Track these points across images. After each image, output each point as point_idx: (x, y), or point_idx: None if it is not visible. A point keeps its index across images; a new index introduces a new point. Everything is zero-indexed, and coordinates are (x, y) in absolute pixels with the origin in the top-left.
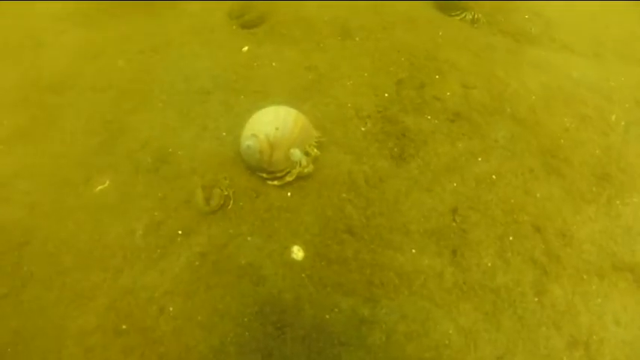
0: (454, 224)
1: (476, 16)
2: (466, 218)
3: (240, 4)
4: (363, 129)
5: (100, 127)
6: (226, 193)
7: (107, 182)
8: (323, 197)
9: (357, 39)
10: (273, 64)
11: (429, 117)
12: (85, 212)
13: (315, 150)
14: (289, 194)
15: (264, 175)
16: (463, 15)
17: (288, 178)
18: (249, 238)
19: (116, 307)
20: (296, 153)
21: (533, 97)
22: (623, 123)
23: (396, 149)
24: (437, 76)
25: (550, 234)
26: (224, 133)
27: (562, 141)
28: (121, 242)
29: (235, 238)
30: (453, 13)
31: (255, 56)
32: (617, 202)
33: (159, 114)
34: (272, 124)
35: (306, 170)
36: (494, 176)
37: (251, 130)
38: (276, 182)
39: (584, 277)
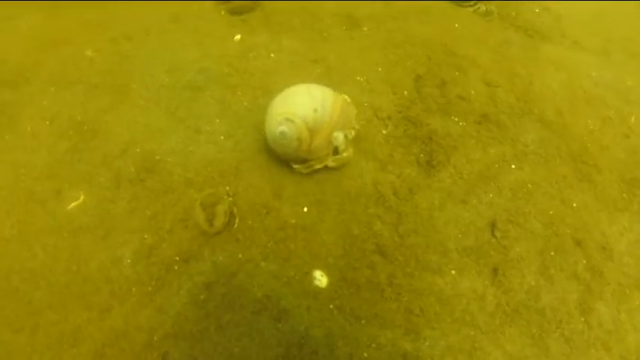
0: (494, 240)
1: (489, 8)
2: (506, 233)
3: None
4: (384, 132)
5: (68, 130)
6: (231, 209)
7: (82, 197)
8: (346, 212)
9: (366, 29)
10: (272, 55)
11: (456, 119)
12: (57, 236)
13: (353, 132)
14: (305, 209)
15: (297, 165)
16: (477, 7)
17: (331, 164)
18: (262, 264)
19: (106, 355)
20: (339, 137)
21: (558, 98)
22: None
23: (422, 155)
24: (457, 73)
25: (591, 247)
26: (222, 137)
27: (589, 145)
28: (105, 273)
29: (246, 264)
30: (465, 4)
31: (250, 46)
32: None
33: (140, 113)
34: (309, 105)
35: (345, 155)
36: (530, 185)
37: (283, 114)
38: (311, 169)
39: (627, 291)
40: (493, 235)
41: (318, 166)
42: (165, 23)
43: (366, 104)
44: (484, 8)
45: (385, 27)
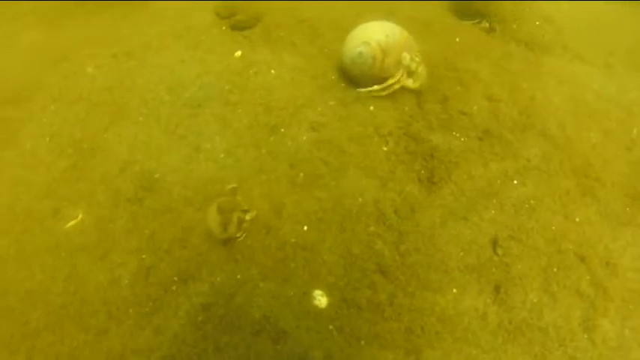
0: (496, 257)
1: (492, 24)
2: (508, 250)
3: (229, 3)
4: (385, 148)
5: (68, 147)
6: (248, 217)
7: (80, 216)
8: (346, 231)
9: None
10: (273, 71)
11: (457, 134)
12: (55, 255)
13: (418, 57)
14: (305, 228)
15: (369, 88)
16: (479, 23)
17: (396, 86)
18: (261, 284)
19: None
20: (407, 57)
21: (560, 112)
22: None
23: (424, 172)
24: (459, 88)
25: (594, 263)
26: (222, 155)
27: (592, 158)
28: (102, 294)
29: (244, 284)
30: (468, 20)
31: (251, 62)
32: None
33: (140, 130)
34: (381, 32)
35: (420, 71)
36: (532, 201)
37: (360, 39)
38: (383, 92)
39: (631, 307)
40: (495, 252)
41: (396, 86)
42: (166, 39)
43: (367, 120)
44: (487, 25)
45: None
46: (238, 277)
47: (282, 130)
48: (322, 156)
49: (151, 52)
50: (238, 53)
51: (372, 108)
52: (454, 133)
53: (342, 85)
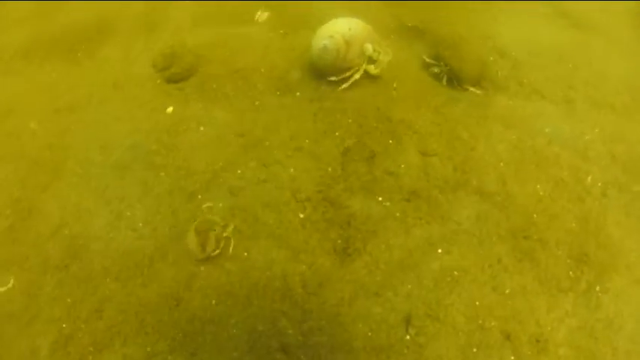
0: (408, 338)
1: (442, 72)
2: (422, 329)
3: (168, 53)
4: (301, 215)
5: (6, 208)
6: (225, 234)
7: (11, 282)
8: (253, 306)
9: (298, 94)
10: (201, 128)
11: (380, 198)
12: None
13: (382, 55)
14: (214, 302)
15: (334, 78)
16: (430, 68)
17: (357, 76)
18: (169, 357)
19: None
20: (369, 47)
21: (502, 164)
22: (599, 184)
23: (340, 241)
24: (390, 142)
25: (522, 341)
26: (140, 224)
27: (535, 216)
28: None
29: (153, 357)
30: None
31: (182, 118)
32: (597, 288)
33: (73, 192)
34: (344, 26)
35: (373, 71)
36: (456, 272)
37: (326, 34)
38: (346, 84)
39: None
40: (407, 332)
41: (356, 76)
42: (107, 90)
43: (285, 184)
44: (437, 71)
45: (319, 90)
46: (148, 349)
47: (200, 196)
48: (236, 224)
49: (91, 106)
50: (170, 109)
51: (292, 170)
52: (377, 196)
53: (267, 143)
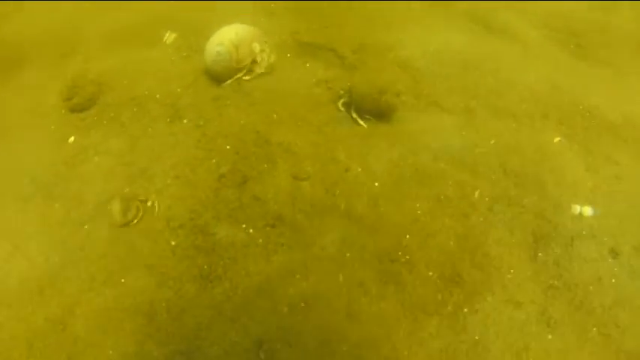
0: None
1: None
2: (274, 353)
3: (70, 84)
4: (173, 243)
5: None
6: (149, 203)
7: None
8: (125, 330)
9: (186, 121)
10: (96, 158)
11: (244, 225)
12: None
13: (266, 53)
14: (95, 326)
15: (229, 81)
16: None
17: (258, 70)
18: None
19: None
20: (257, 46)
21: (377, 184)
22: (487, 199)
23: (206, 267)
24: (265, 166)
25: None
26: (35, 254)
27: (408, 237)
28: None
29: None
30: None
31: (81, 149)
32: (465, 309)
33: None
34: (231, 31)
35: (267, 58)
36: (311, 299)
37: (216, 42)
38: (247, 77)
39: None
40: (259, 355)
41: (247, 78)
42: (23, 116)
43: (161, 213)
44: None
45: (205, 116)
46: None
47: (86, 226)
48: (116, 253)
49: (8, 136)
50: (71, 139)
51: (168, 199)
52: (241, 224)
53: (150, 172)
